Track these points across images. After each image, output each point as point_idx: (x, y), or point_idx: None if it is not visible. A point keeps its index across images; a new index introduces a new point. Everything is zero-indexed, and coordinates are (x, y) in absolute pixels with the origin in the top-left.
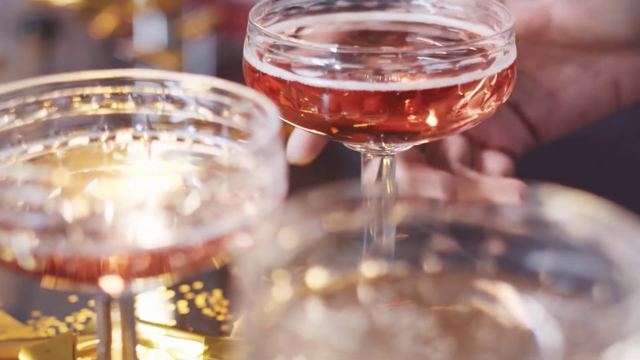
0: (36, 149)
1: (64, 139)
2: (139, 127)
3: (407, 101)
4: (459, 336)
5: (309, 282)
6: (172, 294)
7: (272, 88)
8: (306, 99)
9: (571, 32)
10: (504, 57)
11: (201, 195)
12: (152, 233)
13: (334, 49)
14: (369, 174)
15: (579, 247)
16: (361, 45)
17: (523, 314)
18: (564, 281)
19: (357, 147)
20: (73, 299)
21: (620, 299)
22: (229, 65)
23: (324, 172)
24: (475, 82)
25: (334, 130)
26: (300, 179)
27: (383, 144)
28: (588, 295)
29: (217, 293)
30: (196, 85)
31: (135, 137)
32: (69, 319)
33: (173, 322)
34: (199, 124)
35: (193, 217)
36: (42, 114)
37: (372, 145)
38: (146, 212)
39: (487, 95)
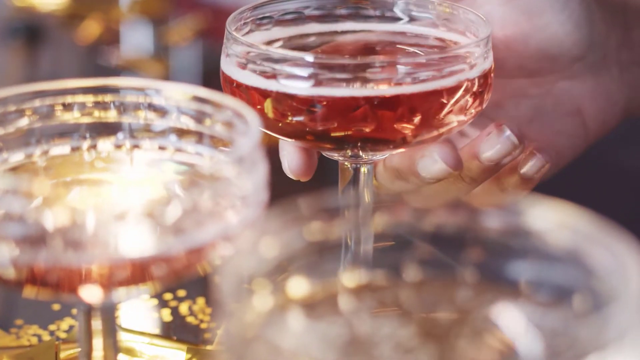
0: (17, 157)
1: (45, 147)
2: (120, 135)
3: (387, 109)
4: (440, 345)
5: (289, 291)
6: (155, 302)
7: (250, 97)
8: (285, 108)
9: (514, 43)
10: (484, 62)
11: (182, 204)
12: (133, 242)
13: (314, 58)
14: (345, 182)
15: (560, 256)
16: (339, 54)
17: (504, 322)
18: (545, 290)
19: (335, 156)
20: (56, 307)
21: (600, 307)
22: (216, 72)
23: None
24: (455, 88)
25: (312, 139)
26: (281, 188)
27: (361, 153)
28: (568, 304)
29: (201, 301)
30: (178, 94)
31: (117, 146)
32: (52, 327)
33: (156, 331)
34: (180, 132)
35: (174, 226)
36: (23, 122)
37: (350, 154)
38: (127, 221)
39: (469, 103)
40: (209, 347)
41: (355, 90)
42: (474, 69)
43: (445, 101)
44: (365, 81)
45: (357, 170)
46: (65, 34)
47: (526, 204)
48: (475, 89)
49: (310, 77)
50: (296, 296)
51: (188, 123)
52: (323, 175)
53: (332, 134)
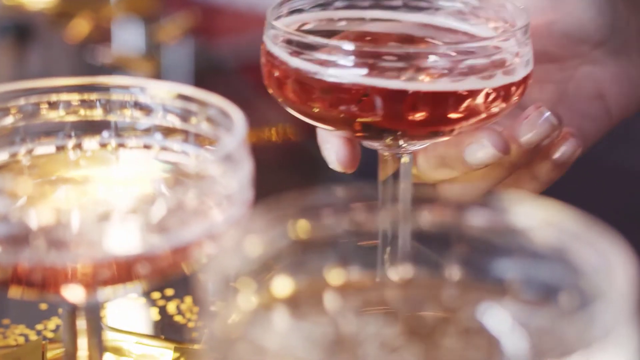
0: (1, 156)
1: (30, 146)
2: (106, 134)
3: (437, 99)
4: (426, 344)
5: (274, 290)
6: (143, 301)
7: (298, 87)
8: (335, 98)
9: (539, 29)
10: (526, 49)
11: (167, 202)
12: (118, 241)
13: (365, 47)
14: (386, 172)
15: (545, 254)
16: (378, 43)
17: (489, 321)
18: (531, 288)
19: (376, 146)
20: (43, 306)
21: (586, 305)
22: (207, 69)
23: (291, 178)
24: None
25: (360, 129)
26: (267, 186)
27: (403, 142)
28: (554, 302)
29: (188, 300)
30: (163, 92)
31: (102, 145)
32: (39, 326)
33: (144, 330)
34: (166, 130)
35: (159, 225)
36: (8, 120)
37: (393, 144)
38: (112, 220)
39: (513, 90)
40: (196, 346)
41: (407, 82)
42: (519, 55)
43: (492, 90)
44: (416, 70)
45: (397, 160)
46: (55, 33)
47: (512, 202)
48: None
49: (361, 65)
50: (281, 295)
51: (174, 121)
52: (309, 173)
53: (380, 124)
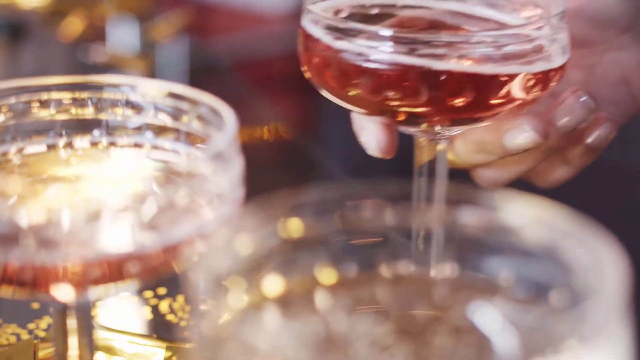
0: None
1: (20, 145)
2: (97, 132)
3: (480, 84)
4: (416, 343)
5: (265, 289)
6: (135, 299)
7: (341, 72)
8: (378, 83)
9: (567, 13)
10: (564, 34)
11: (158, 201)
12: (108, 239)
13: (408, 32)
14: (422, 158)
15: (536, 252)
16: (423, 29)
17: (480, 319)
18: (521, 286)
19: (412, 131)
20: (35, 305)
21: (577, 304)
22: (201, 68)
23: (284, 177)
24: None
25: (396, 113)
26: (260, 185)
27: (441, 127)
28: (545, 301)
29: (181, 299)
30: (154, 91)
31: (93, 143)
32: (31, 325)
33: (136, 329)
34: (157, 129)
35: (150, 223)
36: None
37: (428, 128)
38: (103, 218)
39: (552, 75)
40: (188, 345)
41: (450, 64)
42: (558, 41)
43: (532, 75)
44: (459, 56)
45: (434, 146)
46: (48, 31)
47: (503, 200)
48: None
49: (404, 51)
50: (271, 294)
51: (165, 120)
52: (302, 172)
53: (422, 109)
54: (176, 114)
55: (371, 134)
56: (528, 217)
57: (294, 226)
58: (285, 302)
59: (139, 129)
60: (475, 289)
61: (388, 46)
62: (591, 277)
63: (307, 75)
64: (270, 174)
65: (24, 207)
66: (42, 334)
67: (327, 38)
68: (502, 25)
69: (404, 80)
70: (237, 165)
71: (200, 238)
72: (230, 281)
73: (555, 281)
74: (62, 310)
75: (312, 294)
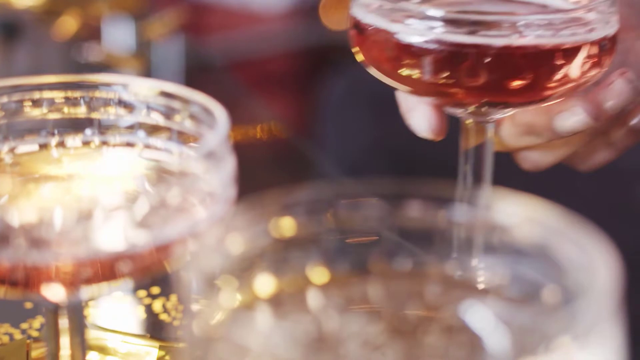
0: None
1: (12, 144)
2: (89, 131)
3: (539, 64)
4: (408, 342)
5: (256, 288)
6: (129, 299)
7: (393, 50)
8: (435, 63)
9: None
10: (616, 16)
11: (150, 200)
12: (101, 238)
13: (458, 12)
14: (468, 142)
15: (528, 251)
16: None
17: (472, 318)
18: (513, 285)
19: (459, 112)
20: (28, 305)
21: (569, 302)
22: (197, 67)
23: (278, 176)
24: (600, 42)
25: (455, 95)
26: (254, 183)
27: (492, 109)
28: (537, 300)
29: (174, 298)
30: (146, 90)
31: (85, 142)
32: (24, 325)
33: (130, 328)
34: (149, 128)
35: (142, 222)
36: None
37: (476, 110)
38: (95, 217)
39: (604, 57)
40: (181, 345)
41: (508, 40)
42: (610, 23)
43: (589, 56)
44: (518, 33)
45: (481, 129)
46: (43, 31)
47: (494, 199)
48: (612, 44)
49: (460, 31)
50: (263, 293)
51: (157, 119)
52: (296, 171)
53: (478, 90)
54: (168, 113)
55: (422, 115)
56: (520, 215)
57: (286, 225)
58: (277, 302)
59: (131, 128)
60: (467, 287)
61: (443, 26)
62: (583, 276)
63: (360, 58)
64: (264, 173)
65: (16, 207)
66: (35, 333)
67: (381, 22)
68: (552, 9)
69: (461, 60)
70: (229, 164)
71: (192, 237)
72: (222, 280)
73: (547, 280)
74: (54, 310)
75: (304, 293)
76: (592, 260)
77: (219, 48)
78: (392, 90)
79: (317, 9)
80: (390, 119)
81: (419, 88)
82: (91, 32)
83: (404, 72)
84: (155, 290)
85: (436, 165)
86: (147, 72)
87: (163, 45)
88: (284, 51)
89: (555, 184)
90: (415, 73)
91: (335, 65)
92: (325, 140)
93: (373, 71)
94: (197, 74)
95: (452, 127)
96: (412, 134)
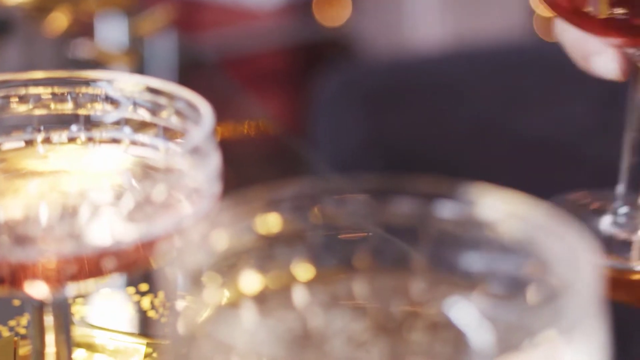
0: None
1: None
2: (74, 127)
3: None
4: (392, 338)
5: (241, 285)
6: (117, 296)
7: None
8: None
9: None
10: None
11: (135, 196)
12: (86, 235)
13: None
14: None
15: (512, 247)
16: None
17: (456, 315)
18: (497, 282)
19: (631, 51)
20: (16, 302)
21: (553, 298)
22: (190, 64)
23: (269, 173)
24: None
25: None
26: (242, 181)
27: None
28: (521, 296)
29: (162, 295)
30: (132, 85)
31: (71, 138)
32: (12, 322)
33: (117, 325)
34: (135, 124)
35: (128, 218)
36: None
37: None
38: (80, 213)
39: None
40: (165, 345)
41: None
42: None
43: None
44: None
45: None
46: (34, 27)
47: (479, 195)
48: None
49: None
50: (248, 290)
51: (143, 115)
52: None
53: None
54: (155, 109)
55: (609, 58)
56: (503, 211)
57: (271, 221)
58: (261, 298)
59: (117, 124)
60: (451, 284)
61: None
62: (567, 272)
63: (544, 4)
64: (255, 171)
65: (1, 203)
66: (22, 331)
67: None
68: None
69: None
70: (214, 160)
71: (178, 233)
72: (207, 277)
73: (532, 276)
74: (39, 307)
75: (289, 290)
76: (577, 255)
77: (211, 44)
78: (385, 87)
79: (311, 5)
80: (383, 116)
81: (604, 29)
82: (82, 29)
83: (589, 11)
84: (144, 287)
85: (429, 162)
86: (140, 68)
87: (155, 41)
88: (277, 48)
89: (551, 175)
90: (601, 10)
91: (329, 63)
92: (318, 138)
93: (555, 14)
94: (189, 71)
95: (446, 124)
96: (405, 131)
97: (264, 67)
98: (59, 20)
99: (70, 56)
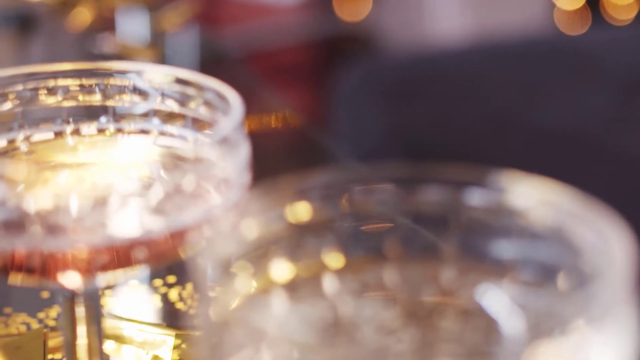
0: (0, 143)
1: (28, 132)
2: (103, 119)
3: None
4: (423, 326)
5: (272, 273)
6: (144, 288)
7: None
8: None
9: None
10: None
11: (165, 186)
12: (116, 225)
13: None
14: None
15: (543, 234)
16: None
17: (487, 302)
18: (529, 269)
19: None
20: (45, 294)
21: (584, 285)
22: (211, 58)
23: (292, 164)
24: None
25: None
26: (268, 172)
27: None
28: (552, 283)
29: (190, 287)
30: (161, 76)
31: (100, 130)
32: (41, 315)
33: (145, 317)
34: (163, 115)
35: (157, 209)
36: (5, 106)
37: None
38: (110, 204)
39: None
40: (196, 333)
41: None
42: None
43: None
44: None
45: None
46: (57, 22)
47: (510, 182)
48: None
49: None
50: (278, 279)
51: (172, 106)
52: (310, 159)
53: None
54: (183, 100)
55: None
56: (535, 198)
57: (301, 210)
58: (292, 287)
59: (146, 115)
60: (482, 271)
61: None
62: (598, 259)
63: None
64: (279, 162)
65: (32, 194)
66: (52, 323)
67: None
68: None
69: None
70: (243, 150)
71: (207, 223)
72: (237, 266)
73: (563, 263)
74: (71, 298)
75: (319, 278)
76: (608, 242)
77: (232, 40)
78: (405, 80)
79: (331, 0)
80: (403, 109)
81: None
82: (105, 24)
83: None
84: (171, 278)
85: (449, 153)
86: (161, 63)
87: (177, 36)
88: (298, 43)
89: (571, 167)
90: None
91: (349, 57)
92: (339, 131)
93: None
94: (210, 66)
95: (466, 116)
96: (425, 124)
97: (285, 61)
98: (83, 15)
99: (94, 51)
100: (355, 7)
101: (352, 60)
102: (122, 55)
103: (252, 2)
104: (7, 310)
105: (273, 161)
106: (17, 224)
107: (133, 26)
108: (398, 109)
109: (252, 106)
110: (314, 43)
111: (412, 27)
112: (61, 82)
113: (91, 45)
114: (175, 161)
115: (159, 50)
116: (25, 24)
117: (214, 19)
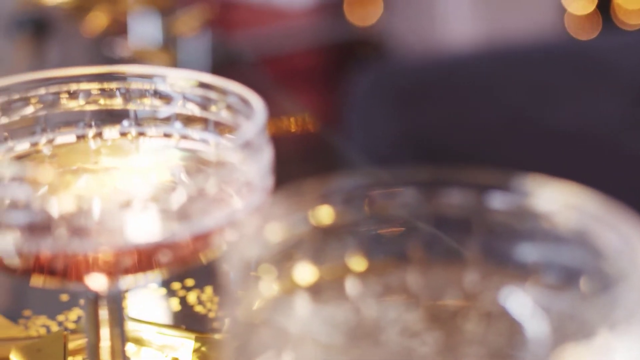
0: (23, 146)
1: (50, 136)
2: (126, 123)
3: None
4: (447, 329)
5: (295, 276)
6: (163, 291)
7: None
8: None
9: None
10: None
11: (187, 190)
12: (139, 229)
13: None
14: None
15: (567, 237)
16: None
17: (511, 305)
18: (552, 272)
19: None
20: (64, 297)
21: (608, 289)
22: (224, 62)
23: (309, 168)
24: None
25: None
26: (286, 176)
27: None
28: (576, 286)
29: (209, 290)
30: (183, 80)
31: (123, 134)
32: (61, 317)
33: (165, 320)
34: (186, 119)
35: (179, 213)
36: (28, 110)
37: None
38: (133, 208)
39: None
40: (217, 336)
41: None
42: None
43: None
44: None
45: None
46: (72, 27)
47: (533, 186)
48: None
49: None
50: (302, 282)
51: (193, 110)
52: (327, 163)
53: None
54: (205, 104)
55: None
56: (558, 202)
57: (324, 214)
58: (316, 290)
59: (168, 119)
60: (506, 275)
61: None
62: (622, 262)
63: None
64: (296, 166)
65: (56, 197)
66: (71, 325)
67: None
68: None
69: None
70: (266, 154)
71: (230, 227)
72: (261, 269)
73: (586, 266)
74: (94, 299)
75: (343, 281)
76: (632, 245)
77: (245, 44)
78: (416, 84)
79: (342, 5)
80: (415, 113)
81: None
82: (119, 28)
83: None
84: (190, 282)
85: (461, 157)
86: (174, 67)
87: (190, 40)
88: (309, 47)
89: (583, 170)
90: None
91: (361, 61)
92: (352, 135)
93: None
94: (223, 70)
95: (477, 120)
96: (436, 127)
97: (297, 65)
98: (98, 19)
99: (108, 55)
100: (365, 11)
101: (364, 64)
102: (135, 59)
103: (264, 6)
104: (27, 313)
105: (291, 165)
106: (42, 226)
107: (147, 30)
108: (409, 112)
109: (268, 110)
110: (325, 47)
111: (423, 32)
112: (83, 86)
113: (106, 49)
114: (197, 165)
115: (172, 54)
116: (40, 29)
117: (226, 23)
